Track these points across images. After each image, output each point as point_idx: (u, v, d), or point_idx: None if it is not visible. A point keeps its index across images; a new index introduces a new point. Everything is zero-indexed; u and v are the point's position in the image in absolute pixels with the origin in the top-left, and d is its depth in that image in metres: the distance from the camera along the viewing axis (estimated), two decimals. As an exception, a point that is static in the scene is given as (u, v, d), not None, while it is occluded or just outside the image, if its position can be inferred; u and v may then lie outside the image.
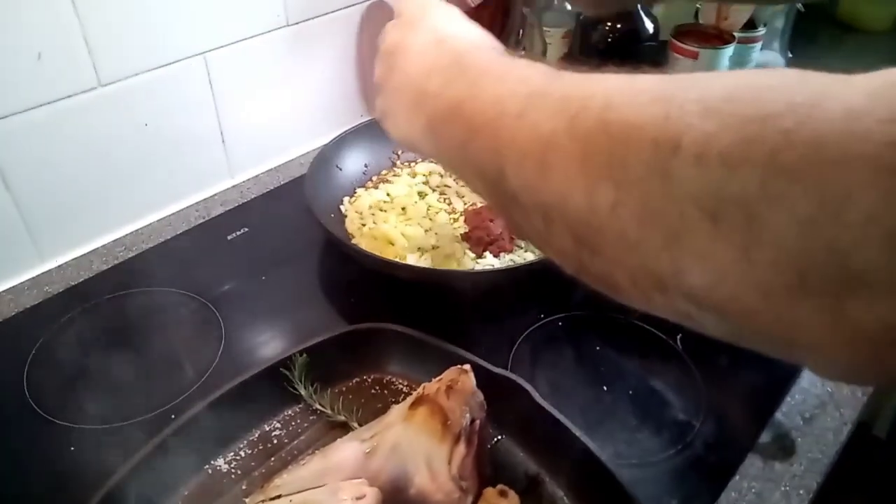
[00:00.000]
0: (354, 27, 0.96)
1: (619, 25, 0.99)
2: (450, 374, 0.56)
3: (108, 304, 0.71)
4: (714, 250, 0.27)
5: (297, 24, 0.88)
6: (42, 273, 0.76)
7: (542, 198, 0.36)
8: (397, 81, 0.51)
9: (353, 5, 0.94)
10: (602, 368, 0.67)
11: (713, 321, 0.30)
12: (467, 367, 0.57)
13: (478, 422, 0.52)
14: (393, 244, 0.79)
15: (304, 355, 0.61)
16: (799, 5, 1.02)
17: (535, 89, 0.38)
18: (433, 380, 0.57)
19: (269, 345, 0.68)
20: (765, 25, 1.03)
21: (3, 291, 0.74)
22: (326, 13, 0.91)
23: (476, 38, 0.50)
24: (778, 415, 0.63)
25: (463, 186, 0.89)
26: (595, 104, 0.33)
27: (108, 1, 0.70)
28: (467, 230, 0.80)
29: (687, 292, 0.29)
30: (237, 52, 0.83)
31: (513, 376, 0.58)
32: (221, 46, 0.81)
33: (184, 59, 0.79)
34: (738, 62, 1.02)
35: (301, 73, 0.93)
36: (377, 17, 0.97)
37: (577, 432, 0.53)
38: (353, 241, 0.80)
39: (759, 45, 1.04)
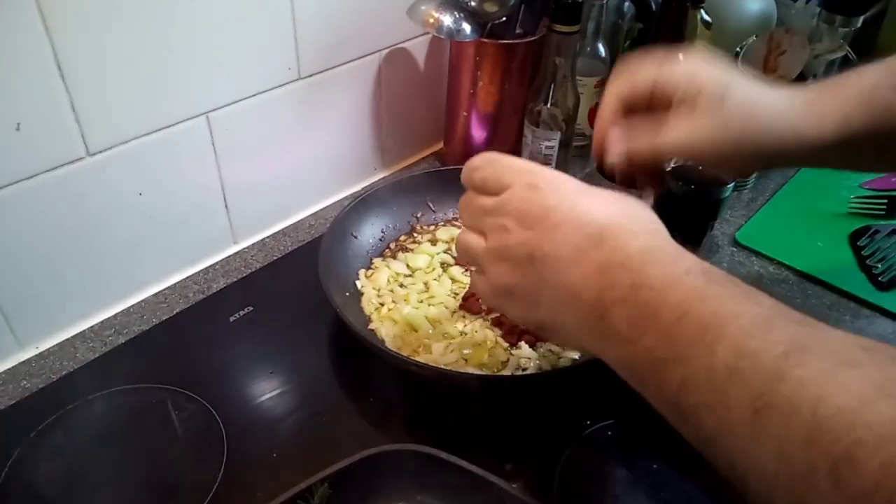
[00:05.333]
0: (371, 77, 0.87)
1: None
2: (496, 524, 0.47)
3: (93, 406, 0.62)
4: None
5: (310, 76, 0.79)
6: (20, 363, 0.67)
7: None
8: (556, 294, 0.41)
9: (371, 54, 0.85)
10: (661, 493, 0.58)
11: None
12: (515, 512, 0.48)
13: None
14: (416, 330, 0.71)
15: (326, 485, 0.52)
16: (852, 55, 0.94)
17: (763, 387, 0.30)
18: (475, 527, 0.49)
19: (279, 461, 0.59)
20: (815, 77, 0.95)
21: (-26, 388, 0.65)
22: (342, 63, 0.83)
23: (632, 220, 0.41)
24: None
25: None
26: None
27: (99, 61, 0.61)
28: (499, 315, 0.72)
29: None
30: (244, 110, 0.75)
31: (567, 519, 0.50)
32: (227, 105, 0.73)
33: (184, 121, 0.70)
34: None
35: (312, 128, 0.84)
36: (397, 66, 0.89)
37: None
38: (372, 326, 0.71)
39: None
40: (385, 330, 0.70)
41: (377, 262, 0.80)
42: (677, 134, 0.52)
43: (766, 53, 0.89)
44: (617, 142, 0.54)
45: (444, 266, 0.80)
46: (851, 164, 0.57)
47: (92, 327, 0.72)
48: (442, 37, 0.81)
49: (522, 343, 0.69)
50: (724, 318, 0.33)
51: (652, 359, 0.35)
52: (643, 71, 0.54)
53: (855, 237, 0.86)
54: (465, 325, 0.71)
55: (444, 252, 0.81)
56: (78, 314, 0.72)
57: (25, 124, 0.59)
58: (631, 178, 0.58)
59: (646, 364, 0.36)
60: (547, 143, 0.88)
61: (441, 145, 1.03)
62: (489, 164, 0.46)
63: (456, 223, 0.87)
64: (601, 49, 0.96)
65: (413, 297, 0.74)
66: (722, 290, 0.35)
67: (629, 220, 0.41)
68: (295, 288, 0.77)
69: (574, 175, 0.46)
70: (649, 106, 0.54)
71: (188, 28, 0.66)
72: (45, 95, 0.59)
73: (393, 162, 0.99)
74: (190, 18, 0.66)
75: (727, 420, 0.31)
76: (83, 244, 0.68)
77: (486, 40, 0.85)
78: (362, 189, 0.94)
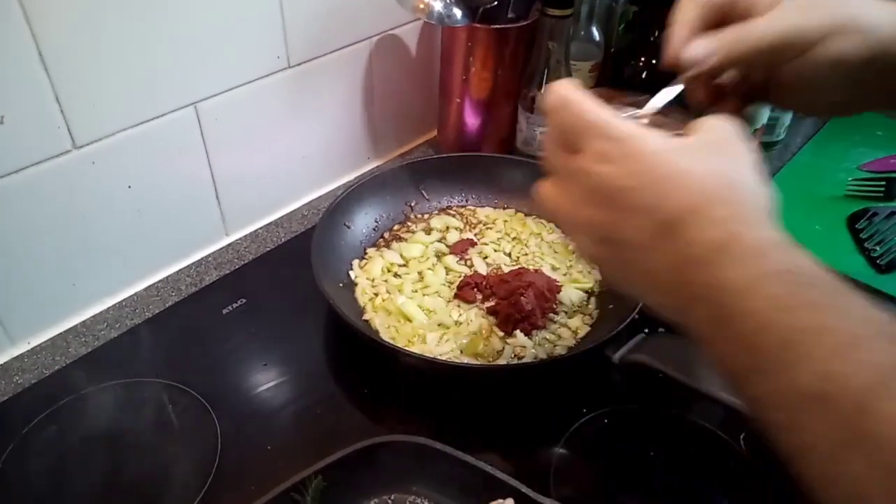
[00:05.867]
0: (362, 65, 0.86)
1: (653, 61, 0.90)
2: (491, 514, 0.47)
3: (86, 401, 0.62)
4: None
5: (298, 65, 0.78)
6: (12, 359, 0.67)
7: None
8: (639, 278, 0.39)
9: (362, 41, 0.84)
10: (657, 481, 0.58)
11: None
12: (510, 502, 0.48)
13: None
14: (410, 320, 0.70)
15: (320, 477, 0.52)
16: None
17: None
18: (470, 517, 0.48)
19: (273, 454, 0.59)
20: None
21: (-35, 384, 0.64)
22: (332, 51, 0.82)
23: (712, 198, 0.36)
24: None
25: (486, 244, 0.80)
26: None
27: (83, 51, 0.60)
28: (494, 303, 0.71)
29: None
30: (233, 100, 0.74)
31: (562, 509, 0.50)
32: (215, 94, 0.72)
33: (171, 112, 0.69)
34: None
35: (303, 117, 0.83)
36: (389, 53, 0.88)
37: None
38: (366, 317, 0.71)
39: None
40: (379, 320, 0.70)
41: (371, 251, 0.79)
42: (783, 13, 0.43)
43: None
44: (704, 41, 0.44)
45: (439, 255, 0.79)
46: None
47: (84, 322, 0.71)
48: (433, 22, 0.80)
49: (518, 332, 0.68)
50: (806, 335, 0.30)
51: (731, 365, 0.34)
52: None
53: (853, 220, 0.86)
54: (460, 315, 0.71)
55: (439, 241, 0.81)
56: (69, 308, 0.71)
57: (10, 118, 0.58)
58: (718, 95, 0.48)
59: (726, 368, 0.34)
60: (542, 130, 0.87)
61: (434, 133, 1.02)
62: (563, 109, 0.40)
63: (450, 212, 0.86)
64: (595, 33, 0.95)
65: (407, 287, 0.74)
66: (806, 296, 0.32)
67: (708, 197, 0.36)
68: (288, 279, 0.76)
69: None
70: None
71: (174, 16, 0.65)
72: (28, 87, 0.58)
73: (386, 150, 0.98)
74: (176, 7, 0.65)
75: (805, 447, 0.29)
76: (73, 238, 0.67)
77: (477, 25, 0.84)
78: (355, 178, 0.93)
